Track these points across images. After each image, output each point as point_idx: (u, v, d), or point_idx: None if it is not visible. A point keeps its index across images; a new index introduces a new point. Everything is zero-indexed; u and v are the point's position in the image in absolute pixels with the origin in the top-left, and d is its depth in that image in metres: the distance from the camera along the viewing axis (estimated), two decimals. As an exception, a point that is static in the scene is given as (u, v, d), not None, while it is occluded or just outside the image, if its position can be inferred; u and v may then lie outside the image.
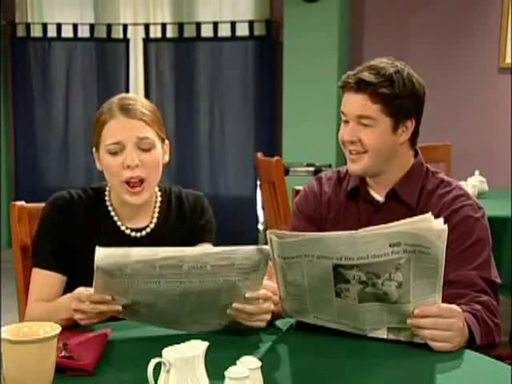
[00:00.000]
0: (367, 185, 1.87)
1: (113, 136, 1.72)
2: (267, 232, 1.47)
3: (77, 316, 1.50)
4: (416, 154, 1.87)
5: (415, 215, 1.42)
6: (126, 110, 1.72)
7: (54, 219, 1.77)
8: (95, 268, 1.40)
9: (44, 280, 1.75)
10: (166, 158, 1.82)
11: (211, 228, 1.89)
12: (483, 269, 1.69)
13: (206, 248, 1.45)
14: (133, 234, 1.80)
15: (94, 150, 1.80)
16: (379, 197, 1.85)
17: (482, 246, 1.72)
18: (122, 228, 1.80)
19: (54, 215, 1.77)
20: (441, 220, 1.39)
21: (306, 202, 1.93)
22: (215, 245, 1.87)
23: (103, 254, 1.39)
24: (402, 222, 1.37)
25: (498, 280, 1.72)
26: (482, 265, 1.69)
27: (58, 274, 1.75)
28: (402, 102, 1.75)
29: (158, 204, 1.85)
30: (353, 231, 1.39)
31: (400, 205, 1.81)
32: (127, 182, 1.72)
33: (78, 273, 1.69)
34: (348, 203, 1.88)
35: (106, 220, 1.80)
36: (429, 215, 1.37)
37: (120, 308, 1.48)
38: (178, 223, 1.85)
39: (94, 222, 1.79)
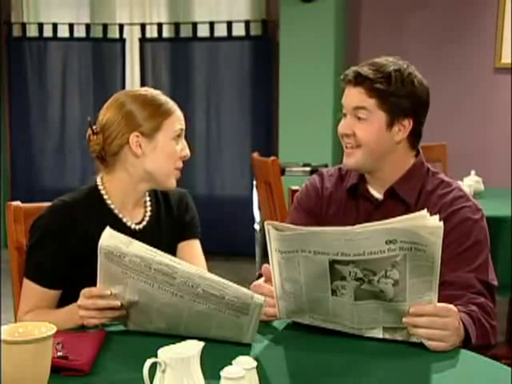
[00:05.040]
0: (366, 182, 1.87)
1: (179, 123, 1.83)
2: (265, 223, 1.47)
3: (80, 312, 1.55)
4: (417, 154, 1.87)
5: (413, 214, 1.41)
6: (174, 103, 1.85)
7: (51, 230, 1.76)
8: (98, 249, 1.46)
9: (38, 295, 1.76)
10: None
11: (197, 224, 2.00)
12: (481, 271, 1.69)
13: (201, 270, 1.45)
14: (133, 226, 1.85)
15: (135, 134, 1.77)
16: (378, 195, 1.85)
17: (480, 248, 1.72)
18: (124, 220, 1.84)
19: (51, 226, 1.76)
20: (436, 217, 1.38)
21: (307, 196, 1.94)
22: (201, 241, 1.99)
23: (109, 234, 1.47)
24: (398, 218, 1.37)
25: (495, 282, 1.72)
26: (479, 267, 1.69)
27: (53, 290, 1.77)
28: (398, 100, 1.76)
29: (149, 203, 1.91)
30: (349, 227, 1.39)
31: (399, 203, 1.81)
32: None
33: (85, 270, 1.66)
34: (348, 200, 1.88)
35: (107, 214, 1.83)
36: (424, 212, 1.37)
37: (118, 304, 1.49)
38: (168, 218, 1.93)
39: (95, 218, 1.79)
